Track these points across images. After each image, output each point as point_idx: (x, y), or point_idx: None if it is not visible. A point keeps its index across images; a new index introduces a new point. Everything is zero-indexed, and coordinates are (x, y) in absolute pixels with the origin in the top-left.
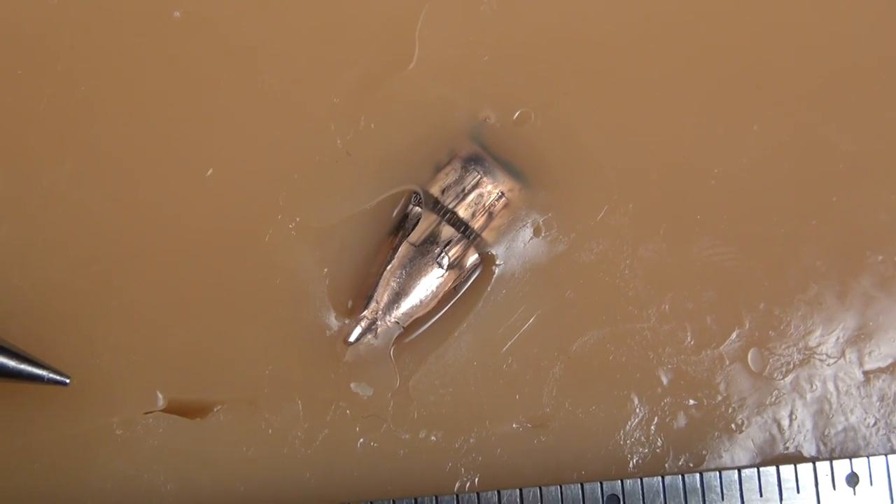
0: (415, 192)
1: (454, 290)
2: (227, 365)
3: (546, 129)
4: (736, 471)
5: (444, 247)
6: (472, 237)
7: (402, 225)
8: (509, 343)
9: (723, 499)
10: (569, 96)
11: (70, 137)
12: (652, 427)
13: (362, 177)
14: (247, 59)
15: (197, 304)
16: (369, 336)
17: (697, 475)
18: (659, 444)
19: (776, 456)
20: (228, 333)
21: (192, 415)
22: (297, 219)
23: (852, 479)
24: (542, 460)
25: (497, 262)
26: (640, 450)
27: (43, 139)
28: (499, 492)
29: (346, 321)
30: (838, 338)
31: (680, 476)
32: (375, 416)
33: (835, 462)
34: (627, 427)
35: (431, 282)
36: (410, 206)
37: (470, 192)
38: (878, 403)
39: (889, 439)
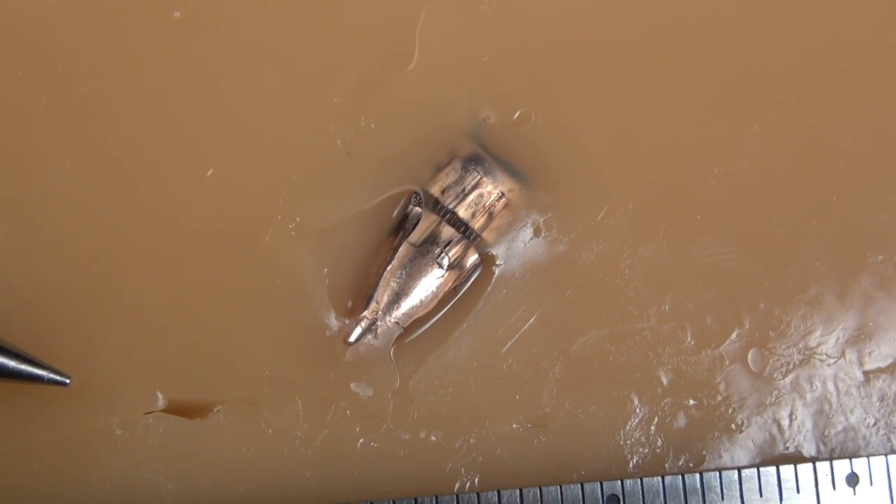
0: (415, 193)
1: (454, 290)
2: (227, 365)
3: (546, 129)
4: (736, 471)
5: (445, 247)
6: (472, 237)
7: (403, 225)
8: (509, 343)
9: (723, 499)
10: (569, 96)
11: (70, 137)
12: (652, 427)
13: (362, 177)
14: (247, 59)
15: (197, 304)
16: (369, 336)
17: (697, 475)
18: (659, 444)
19: (776, 456)
20: (228, 333)
21: (192, 415)
22: (297, 219)
23: (852, 480)
24: (542, 460)
25: (497, 263)
26: (640, 450)
27: (43, 139)
28: (499, 492)
29: (346, 321)
30: (838, 338)
31: (680, 476)
32: (375, 416)
33: (835, 462)
34: (627, 427)
35: (431, 282)
36: (410, 207)
37: (470, 192)
38: (878, 403)
39: (889, 439)
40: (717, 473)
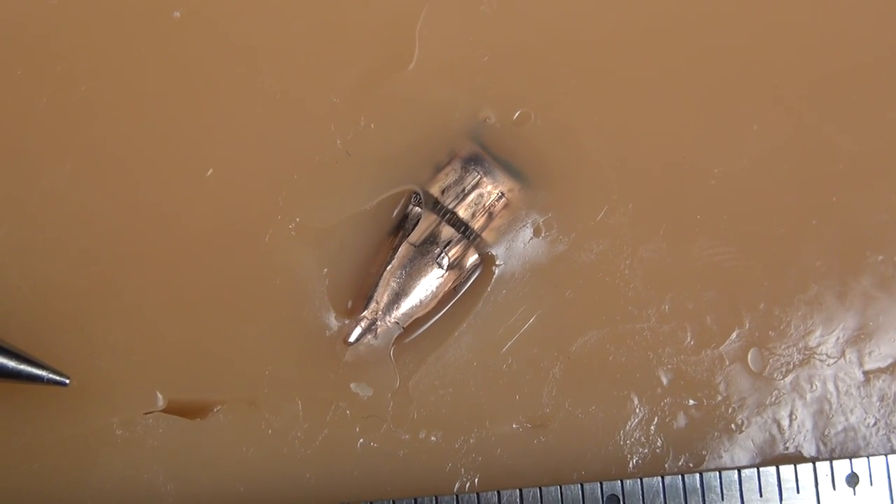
0: (415, 193)
1: (454, 290)
2: (226, 365)
3: (546, 129)
4: (736, 471)
5: (444, 247)
6: (472, 237)
7: (402, 225)
8: (509, 343)
9: (722, 499)
10: (569, 96)
11: (70, 137)
12: (652, 427)
13: (362, 177)
14: (247, 59)
15: (197, 304)
16: (369, 336)
17: (697, 475)
18: (659, 444)
19: (776, 456)
20: (228, 334)
21: (191, 415)
22: (297, 219)
23: (852, 480)
24: (541, 460)
25: (497, 263)
26: (640, 450)
27: (43, 139)
28: (498, 492)
29: (346, 321)
30: (838, 338)
31: (680, 476)
32: (375, 416)
33: (835, 462)
34: (627, 427)
35: (431, 282)
36: (410, 207)
37: (470, 192)
38: (878, 403)
39: (889, 439)
40: (717, 473)
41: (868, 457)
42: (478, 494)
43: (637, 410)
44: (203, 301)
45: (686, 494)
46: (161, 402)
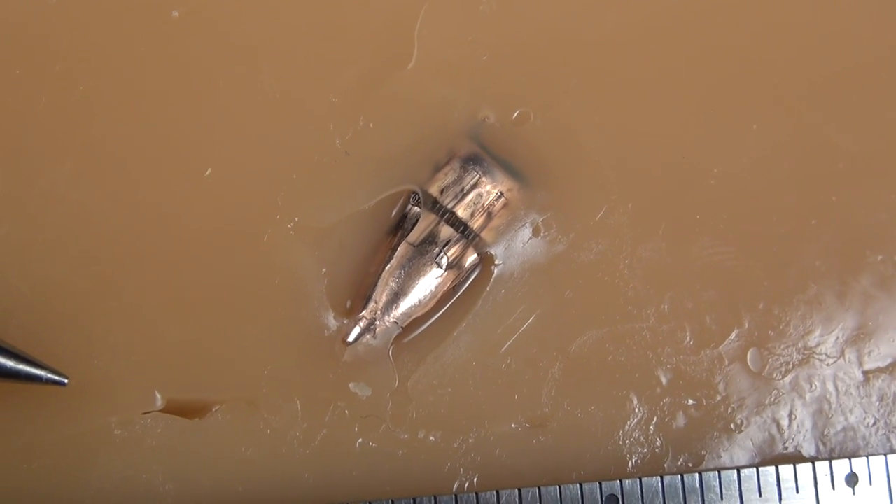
0: (413, 192)
1: (453, 290)
2: (225, 365)
3: (545, 128)
4: (735, 471)
5: (443, 247)
6: (470, 237)
7: (401, 225)
8: (508, 343)
9: (722, 499)
10: (568, 96)
11: (69, 137)
12: (651, 427)
13: (361, 176)
14: (246, 59)
15: (195, 303)
16: (368, 336)
17: (696, 475)
18: (658, 444)
19: (775, 456)
20: (227, 333)
21: (190, 415)
22: (296, 218)
23: (851, 479)
24: (540, 460)
25: (496, 262)
26: (639, 450)
27: (42, 139)
28: (497, 492)
29: (345, 321)
30: (838, 337)
31: (679, 476)
32: (374, 416)
33: (834, 462)
34: (626, 427)
35: (430, 282)
36: (409, 206)
37: (469, 191)
38: (877, 403)
39: (888, 439)
40: (716, 473)
41: (867, 457)
42: (476, 494)
43: (636, 410)
44: (202, 301)
45: (685, 494)
46: (160, 401)
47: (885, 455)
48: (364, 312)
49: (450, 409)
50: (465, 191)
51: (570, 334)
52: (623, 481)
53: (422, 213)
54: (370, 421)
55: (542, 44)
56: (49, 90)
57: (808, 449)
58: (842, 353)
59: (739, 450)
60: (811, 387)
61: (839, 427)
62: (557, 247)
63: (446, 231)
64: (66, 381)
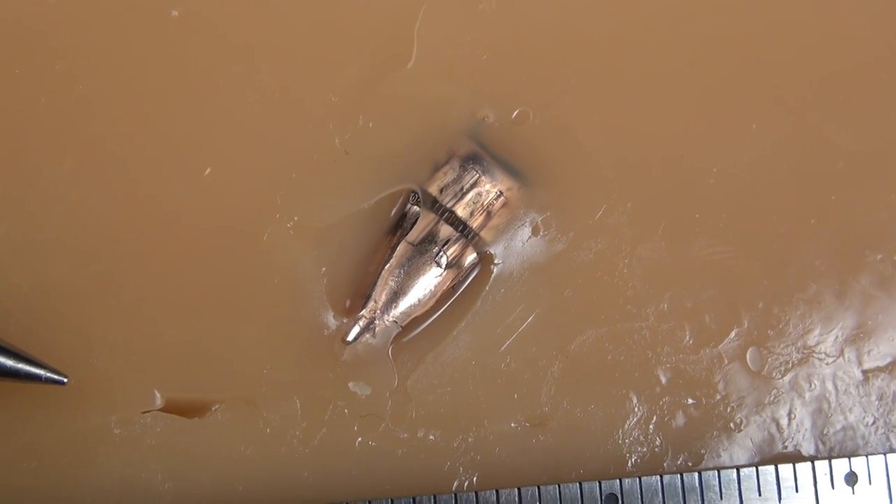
0: (413, 191)
1: (452, 289)
2: (225, 364)
3: (545, 127)
4: (734, 470)
5: (443, 246)
6: (470, 236)
7: (401, 224)
8: (508, 342)
9: (721, 498)
10: (567, 95)
11: (69, 136)
12: (650, 426)
13: (360, 176)
14: (245, 58)
15: (195, 303)
16: (367, 335)
17: (696, 474)
18: (657, 443)
19: (775, 455)
20: (226, 332)
21: (189, 414)
22: (296, 218)
23: (851, 479)
24: (540, 459)
25: (495, 261)
26: (639, 449)
27: (42, 138)
28: (497, 491)
29: (345, 320)
30: (837, 337)
31: (678, 475)
32: (373, 415)
33: (833, 461)
34: (626, 426)
35: (430, 281)
36: (409, 205)
37: (468, 190)
38: (876, 402)
39: (888, 438)
40: (716, 472)
41: (867, 456)
42: (476, 493)
43: (636, 409)
44: (201, 300)
45: (685, 493)
46: (159, 400)
47: (885, 454)
48: (363, 311)
49: (449, 408)
50: (464, 190)
51: (569, 333)
52: (622, 480)
53: (421, 212)
54: (370, 420)
55: (542, 43)
56: (48, 89)
57: (808, 448)
58: (841, 353)
59: (739, 449)
60: (811, 386)
61: (838, 426)
62: (557, 246)
63: (446, 230)
64: (65, 380)
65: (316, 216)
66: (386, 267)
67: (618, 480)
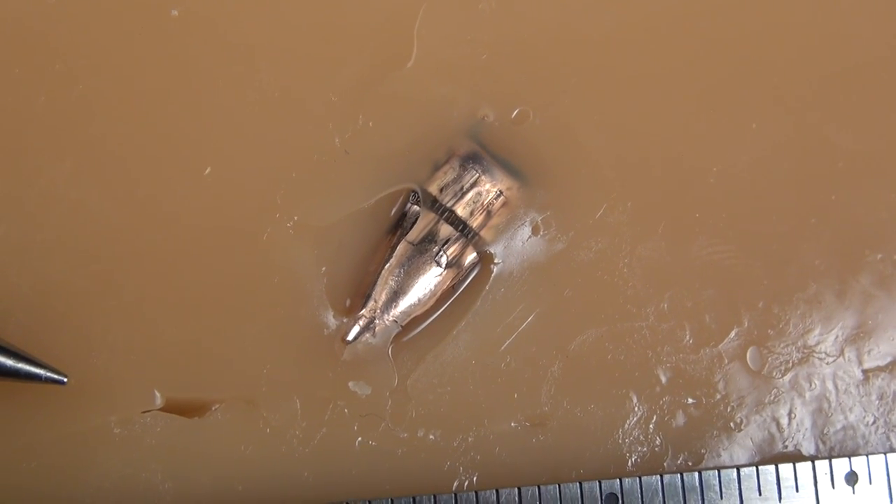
0: (413, 191)
1: (452, 288)
2: (224, 364)
3: (544, 127)
4: (735, 469)
5: (443, 245)
6: (470, 236)
7: (401, 223)
8: (508, 342)
9: (721, 497)
10: (567, 95)
11: (68, 136)
12: (650, 426)
13: (360, 175)
14: (245, 58)
15: (195, 302)
16: (367, 335)
17: (696, 474)
18: (657, 442)
19: (775, 455)
20: (226, 332)
21: (189, 414)
22: (295, 217)
23: (851, 478)
24: (540, 459)
25: (495, 261)
26: (639, 448)
27: (41, 138)
28: (497, 491)
29: (344, 320)
30: (837, 336)
31: (679, 475)
32: (373, 414)
33: (834, 461)
34: (626, 426)
35: (430, 280)
36: (409, 205)
37: (468, 190)
38: (877, 402)
39: (888, 438)
40: (716, 472)
41: (867, 455)
42: (476, 493)
43: (636, 409)
44: (201, 299)
45: (685, 493)
46: (159, 400)
47: (885, 454)
48: (363, 311)
49: (449, 407)
50: (464, 189)
51: (569, 333)
52: (623, 480)
53: (421, 211)
54: (370, 420)
55: (542, 43)
56: (48, 89)
57: (808, 448)
58: (841, 352)
59: (739, 448)
60: (811, 385)
61: (839, 426)
62: (557, 245)
63: (446, 230)
64: (65, 379)
65: (316, 216)
66: (386, 266)
67: (618, 480)
